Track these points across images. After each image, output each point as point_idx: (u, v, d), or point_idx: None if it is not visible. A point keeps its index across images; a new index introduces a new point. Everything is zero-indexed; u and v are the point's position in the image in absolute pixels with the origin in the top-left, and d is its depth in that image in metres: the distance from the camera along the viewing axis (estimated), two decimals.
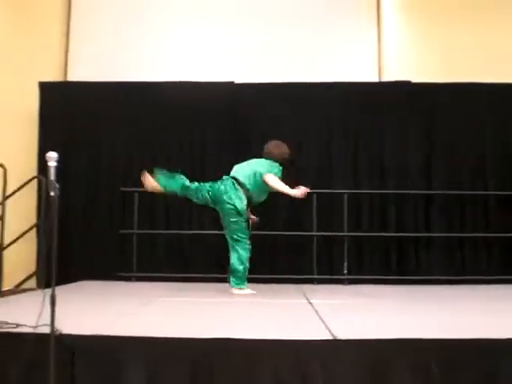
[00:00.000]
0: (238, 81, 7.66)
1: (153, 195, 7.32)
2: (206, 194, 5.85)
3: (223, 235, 7.25)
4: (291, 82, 7.60)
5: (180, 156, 7.59)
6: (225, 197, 5.79)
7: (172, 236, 7.43)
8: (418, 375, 3.03)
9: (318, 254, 7.28)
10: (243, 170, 5.95)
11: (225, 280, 6.95)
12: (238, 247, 5.88)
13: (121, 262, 7.33)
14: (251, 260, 7.35)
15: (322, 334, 3.22)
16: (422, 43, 7.96)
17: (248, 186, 5.83)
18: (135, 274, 7.18)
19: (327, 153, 7.60)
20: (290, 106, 7.61)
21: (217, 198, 5.84)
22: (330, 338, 3.13)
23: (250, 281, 6.91)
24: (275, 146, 6.07)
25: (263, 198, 6.00)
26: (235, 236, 5.87)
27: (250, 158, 7.52)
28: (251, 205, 5.92)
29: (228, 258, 5.98)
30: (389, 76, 7.92)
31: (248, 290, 5.90)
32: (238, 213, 5.79)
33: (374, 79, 8.05)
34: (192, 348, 3.03)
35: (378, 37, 8.17)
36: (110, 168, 7.62)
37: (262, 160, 6.01)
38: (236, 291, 5.86)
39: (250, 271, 7.17)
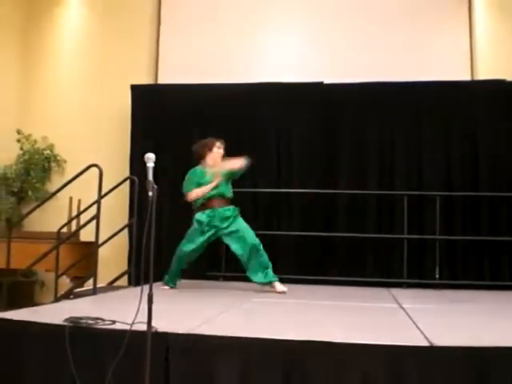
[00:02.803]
0: (327, 81, 7.59)
1: (241, 195, 7.40)
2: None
3: (308, 236, 7.27)
4: (380, 82, 7.45)
5: (268, 157, 7.60)
6: None
7: (259, 236, 7.43)
8: None
9: (409, 257, 7.11)
10: None
11: (307, 282, 6.95)
12: None
13: (208, 261, 7.40)
14: (337, 263, 7.33)
15: (417, 340, 3.13)
16: None
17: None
18: (223, 274, 7.24)
19: (418, 153, 7.41)
20: (379, 106, 7.49)
21: None
22: (427, 344, 3.04)
23: (340, 283, 6.88)
24: (196, 147, 6.28)
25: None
26: None
27: (338, 159, 7.51)
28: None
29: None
30: (481, 74, 7.65)
31: None
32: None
33: (466, 78, 7.80)
34: (286, 349, 3.01)
35: (470, 34, 7.92)
36: None
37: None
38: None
39: (337, 274, 7.13)
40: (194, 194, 6.02)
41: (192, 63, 8.19)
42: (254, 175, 7.53)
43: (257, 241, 5.97)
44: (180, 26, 8.44)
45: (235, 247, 6.01)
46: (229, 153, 7.56)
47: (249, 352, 3.04)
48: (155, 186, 3.03)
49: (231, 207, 6.08)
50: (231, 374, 3.01)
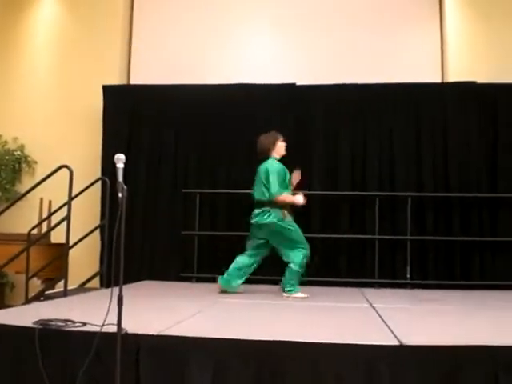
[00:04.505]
0: (299, 82, 7.62)
1: (214, 196, 7.39)
2: (257, 240, 5.94)
3: None
4: (352, 84, 7.50)
5: (242, 158, 7.58)
6: (262, 225, 5.83)
7: (233, 237, 7.41)
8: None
9: (380, 257, 7.16)
10: (257, 189, 5.95)
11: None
12: (294, 253, 5.81)
13: (181, 262, 7.40)
14: (311, 263, 7.33)
15: (388, 340, 3.16)
16: (487, 41, 7.72)
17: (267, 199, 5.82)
18: (196, 275, 7.23)
19: (390, 154, 7.46)
20: (352, 107, 7.53)
21: (260, 231, 5.88)
22: (397, 343, 3.07)
23: (312, 284, 6.89)
24: (263, 141, 6.02)
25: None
26: (290, 244, 5.83)
27: (311, 160, 7.51)
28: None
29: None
30: (452, 76, 7.72)
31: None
32: (277, 224, 5.78)
33: (437, 80, 7.88)
34: (258, 350, 3.01)
35: (441, 36, 8.01)
36: (172, 169, 7.69)
37: (262, 168, 5.93)
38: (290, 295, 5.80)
39: (311, 274, 7.15)
40: (282, 198, 5.79)
41: (165, 64, 8.17)
42: (228, 176, 7.55)
43: None
44: (153, 27, 8.42)
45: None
46: (196, 155, 7.60)
47: (220, 353, 3.03)
48: (125, 187, 3.01)
49: None
50: (203, 375, 3.00)
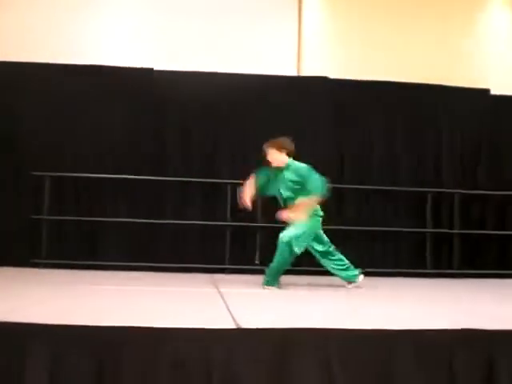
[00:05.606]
0: (157, 68, 7.59)
1: (63, 180, 7.21)
2: None
3: (136, 223, 7.25)
4: (210, 72, 7.59)
5: (93, 142, 7.43)
6: None
7: (84, 222, 7.29)
8: (319, 364, 3.10)
9: (231, 243, 7.31)
10: None
11: (134, 268, 6.92)
12: None
13: (30, 248, 7.15)
14: (162, 249, 7.36)
15: (225, 323, 3.27)
16: (342, 39, 8.10)
17: None
18: (44, 261, 7.03)
19: (242, 143, 7.62)
20: (208, 96, 7.56)
21: None
22: (234, 326, 3.18)
23: (159, 270, 6.92)
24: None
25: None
26: None
27: (167, 146, 7.54)
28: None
29: None
30: (308, 70, 8.01)
31: None
32: None
33: (293, 73, 8.12)
34: (96, 336, 3.00)
35: (299, 30, 8.22)
36: (20, 151, 7.36)
37: None
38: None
39: (160, 260, 7.17)
40: None
41: (25, 40, 7.70)
42: (74, 160, 7.37)
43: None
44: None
45: None
46: (47, 137, 7.33)
47: (59, 339, 2.98)
48: None
49: None
50: (42, 361, 2.95)
